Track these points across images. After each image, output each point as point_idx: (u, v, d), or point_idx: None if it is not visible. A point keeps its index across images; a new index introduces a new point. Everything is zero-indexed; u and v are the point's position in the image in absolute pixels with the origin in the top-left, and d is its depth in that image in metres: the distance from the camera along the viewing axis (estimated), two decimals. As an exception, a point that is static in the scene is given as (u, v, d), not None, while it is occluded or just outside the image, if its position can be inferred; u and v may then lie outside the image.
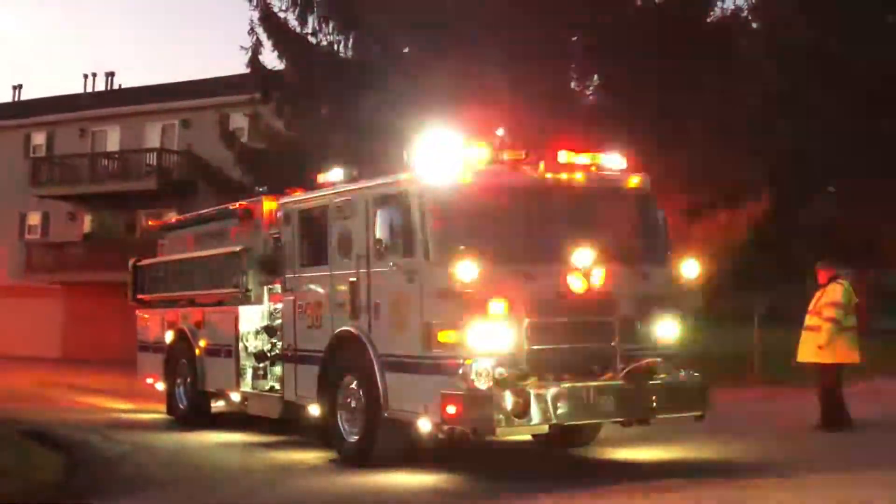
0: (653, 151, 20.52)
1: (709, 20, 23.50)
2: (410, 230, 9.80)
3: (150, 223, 16.42)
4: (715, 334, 21.45)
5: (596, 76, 24.17)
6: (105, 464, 11.06)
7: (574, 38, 23.89)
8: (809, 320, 12.60)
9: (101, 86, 44.74)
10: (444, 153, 10.08)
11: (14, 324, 40.13)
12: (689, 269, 10.40)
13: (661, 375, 9.93)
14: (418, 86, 21.41)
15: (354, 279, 10.60)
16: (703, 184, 21.54)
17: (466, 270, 9.27)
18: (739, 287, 23.71)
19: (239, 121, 31.55)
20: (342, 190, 11.12)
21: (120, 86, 45.13)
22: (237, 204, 13.35)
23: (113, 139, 40.11)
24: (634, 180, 10.77)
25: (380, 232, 10.07)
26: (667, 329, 10.33)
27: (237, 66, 48.95)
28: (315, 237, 11.44)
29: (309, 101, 24.62)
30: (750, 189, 22.31)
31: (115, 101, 41.49)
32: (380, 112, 21.07)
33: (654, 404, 9.79)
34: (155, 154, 37.90)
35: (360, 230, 10.59)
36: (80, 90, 44.72)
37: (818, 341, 12.39)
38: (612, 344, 10.01)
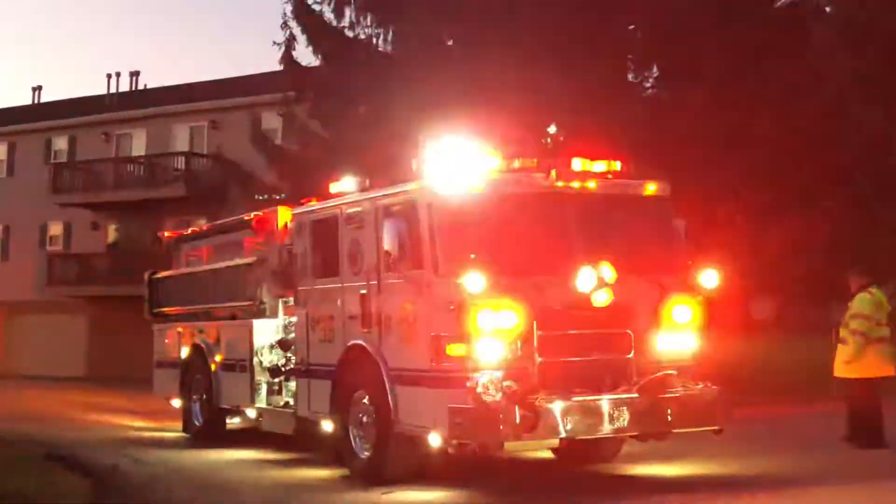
0: (718, 147, 21.26)
1: (777, 4, 24.09)
2: (419, 241, 10.79)
3: (165, 235, 17.68)
4: (789, 346, 22.09)
5: (655, 67, 24.86)
6: (133, 488, 11.98)
7: (631, 27, 24.62)
8: (841, 332, 13.35)
9: (125, 86, 46.34)
10: (454, 161, 11.09)
11: (35, 341, 41.79)
12: (708, 279, 11.26)
13: (677, 388, 10.81)
14: (462, 80, 22.22)
15: (365, 291, 11.62)
16: (774, 181, 22.05)
17: (475, 282, 10.20)
18: (814, 295, 24.18)
19: (271, 121, 32.82)
20: (352, 199, 12.18)
21: (145, 86, 46.75)
22: (252, 214, 14.50)
23: (138, 143, 41.71)
24: (651, 188, 11.64)
25: (388, 243, 11.05)
26: (684, 341, 11.23)
27: (269, 62, 50.26)
28: (327, 248, 12.48)
29: (346, 98, 25.44)
30: (825, 186, 22.73)
31: (140, 102, 43.07)
32: (421, 110, 21.91)
33: (669, 418, 10.63)
34: (183, 158, 39.40)
35: (371, 241, 11.59)
36: (103, 91, 46.36)
37: (844, 356, 13.11)
38: (628, 356, 10.91)
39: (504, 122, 20.23)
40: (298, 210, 13.31)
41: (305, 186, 22.81)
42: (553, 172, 11.29)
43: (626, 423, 10.47)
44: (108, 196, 40.15)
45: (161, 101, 41.90)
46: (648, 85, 25.24)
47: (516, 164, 11.34)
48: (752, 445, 13.30)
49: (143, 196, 39.06)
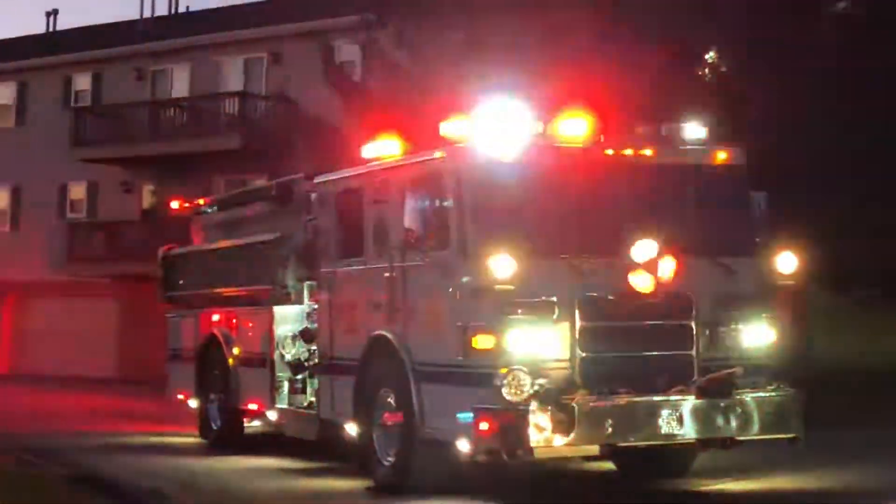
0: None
1: None
2: (445, 218, 12.75)
3: (181, 205, 19.97)
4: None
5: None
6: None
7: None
8: None
9: (162, 9, 48.06)
10: (489, 124, 12.99)
11: (53, 333, 43.76)
12: (786, 261, 12.98)
13: (745, 390, 12.59)
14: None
15: (389, 274, 13.63)
16: None
17: (505, 264, 12.08)
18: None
19: (348, 52, 34.68)
20: (376, 167, 14.20)
21: (188, 8, 48.89)
22: (273, 182, 16.64)
23: (180, 82, 43.54)
24: (722, 155, 13.43)
25: (412, 219, 13.03)
26: (756, 334, 13.03)
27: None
28: (352, 224, 14.54)
29: (444, 20, 26.45)
30: None
31: (181, 29, 44.95)
32: (548, 36, 23.15)
33: (734, 424, 12.43)
34: (236, 100, 41.00)
35: (396, 217, 13.55)
36: (135, 15, 48.21)
37: None
38: (689, 352, 12.74)
39: (643, 51, 21.44)
40: (321, 179, 15.39)
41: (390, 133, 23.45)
42: (602, 138, 13.14)
43: (681, 429, 12.29)
44: (143, 149, 41.97)
45: (208, 27, 43.45)
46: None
47: (560, 128, 13.17)
48: (842, 457, 15.13)
49: (187, 149, 40.69)
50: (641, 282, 12.57)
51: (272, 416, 16.57)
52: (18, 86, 47.34)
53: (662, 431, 12.27)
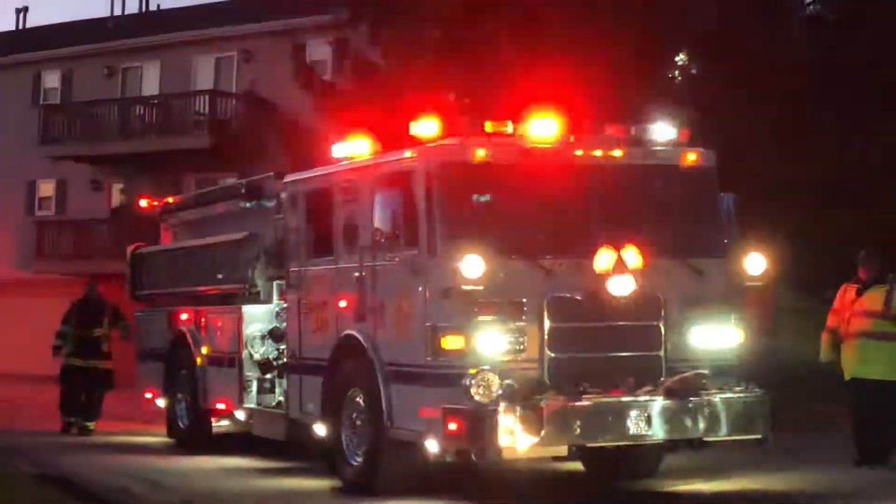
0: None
1: None
2: (413, 217, 12.78)
3: (149, 203, 19.99)
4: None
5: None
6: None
7: None
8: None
9: (132, 7, 48.20)
10: (458, 124, 13.06)
11: (19, 330, 43.59)
12: (754, 263, 13.05)
13: (713, 390, 12.65)
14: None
15: (359, 274, 13.63)
16: None
17: (474, 265, 12.13)
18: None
19: (319, 51, 34.64)
20: (346, 167, 14.23)
21: (158, 6, 48.88)
22: (243, 181, 16.64)
23: (150, 79, 43.53)
24: (691, 157, 13.49)
25: (381, 218, 13.06)
26: (725, 335, 13.11)
27: (317, -27, 51.79)
28: (321, 223, 14.57)
29: (417, 20, 26.45)
30: None
31: (151, 27, 44.76)
32: (525, 37, 23.19)
33: (701, 425, 12.50)
34: (206, 98, 41.15)
35: (365, 216, 13.59)
36: (105, 13, 48.25)
37: None
38: (658, 353, 12.83)
39: (613, 52, 21.49)
40: (291, 178, 15.40)
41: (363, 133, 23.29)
42: (571, 139, 13.20)
43: (649, 429, 12.37)
44: (112, 147, 41.97)
45: (178, 25, 43.47)
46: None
47: (530, 129, 13.20)
48: (809, 458, 15.30)
49: (157, 147, 40.79)
50: (610, 281, 12.61)
51: (240, 415, 16.64)
52: (-14, 84, 47.17)
53: (631, 432, 12.35)
